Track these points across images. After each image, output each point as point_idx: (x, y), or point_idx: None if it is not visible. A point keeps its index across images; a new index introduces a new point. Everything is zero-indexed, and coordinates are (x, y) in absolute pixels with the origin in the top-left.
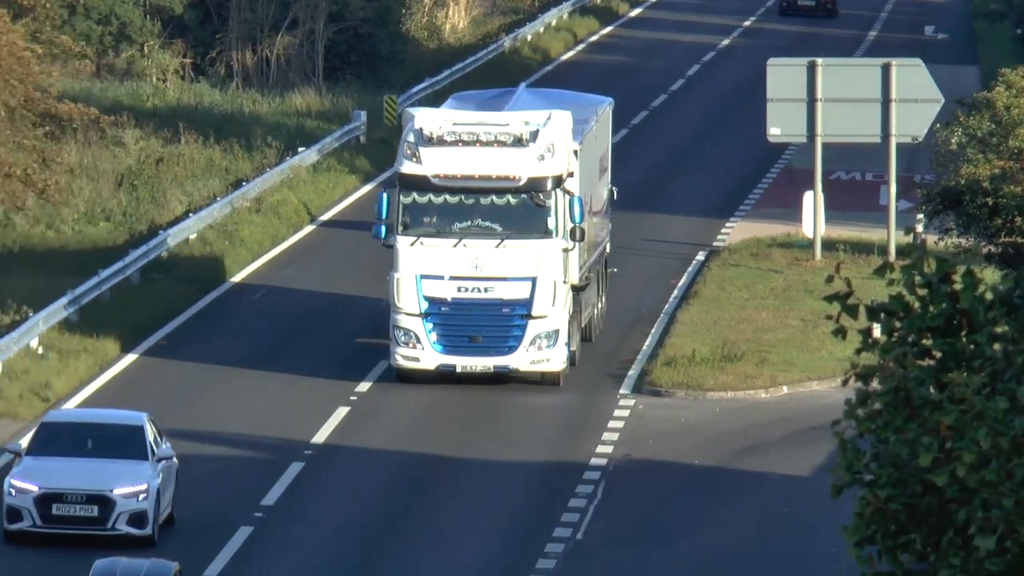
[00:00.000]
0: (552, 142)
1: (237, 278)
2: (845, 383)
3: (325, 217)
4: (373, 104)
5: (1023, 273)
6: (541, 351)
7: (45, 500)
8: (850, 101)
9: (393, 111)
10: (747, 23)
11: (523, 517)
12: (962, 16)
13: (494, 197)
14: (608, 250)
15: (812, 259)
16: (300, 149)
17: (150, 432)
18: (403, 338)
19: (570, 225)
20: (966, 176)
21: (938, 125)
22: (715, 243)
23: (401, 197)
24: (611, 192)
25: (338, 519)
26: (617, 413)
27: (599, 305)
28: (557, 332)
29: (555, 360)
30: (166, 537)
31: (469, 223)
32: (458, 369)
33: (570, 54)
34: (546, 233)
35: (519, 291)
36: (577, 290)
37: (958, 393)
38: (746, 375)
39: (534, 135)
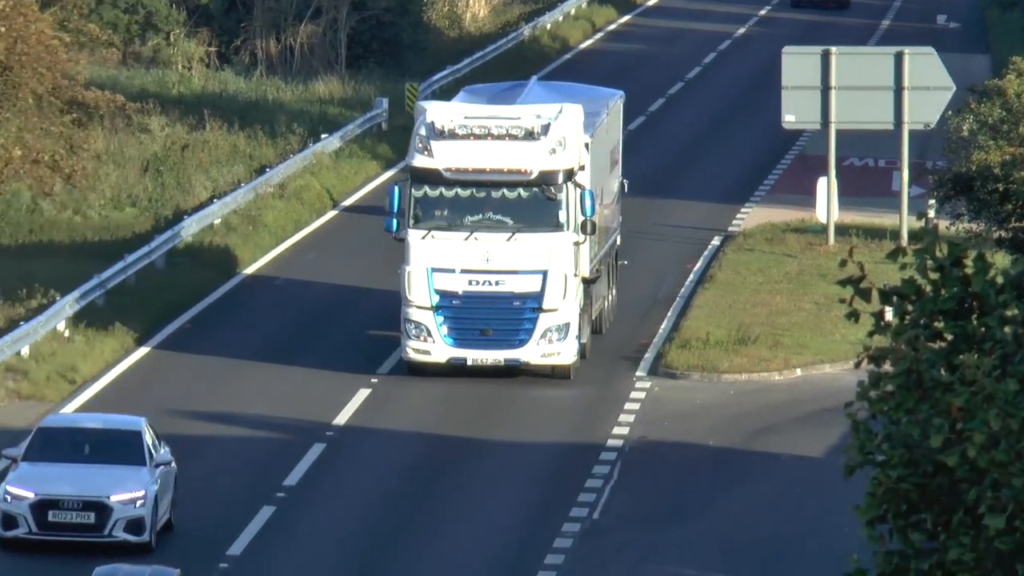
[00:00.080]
0: (563, 135)
1: (260, 263)
2: (858, 365)
3: (347, 203)
4: (395, 92)
5: None
6: (552, 344)
7: (41, 507)
8: (863, 89)
9: (414, 98)
10: (762, 12)
11: (541, 496)
12: (974, 5)
13: (505, 190)
14: (619, 242)
15: (826, 244)
16: (323, 136)
17: (148, 437)
18: (414, 331)
19: (581, 218)
20: (977, 162)
21: (950, 112)
22: (730, 228)
23: (412, 190)
24: (622, 185)
25: (359, 499)
26: (633, 395)
27: (609, 297)
28: (568, 325)
29: (566, 353)
30: (164, 543)
31: (480, 216)
32: (469, 362)
33: (588, 42)
34: (557, 226)
35: (530, 284)
36: (588, 283)
37: (969, 375)
38: (760, 358)
39: (545, 128)
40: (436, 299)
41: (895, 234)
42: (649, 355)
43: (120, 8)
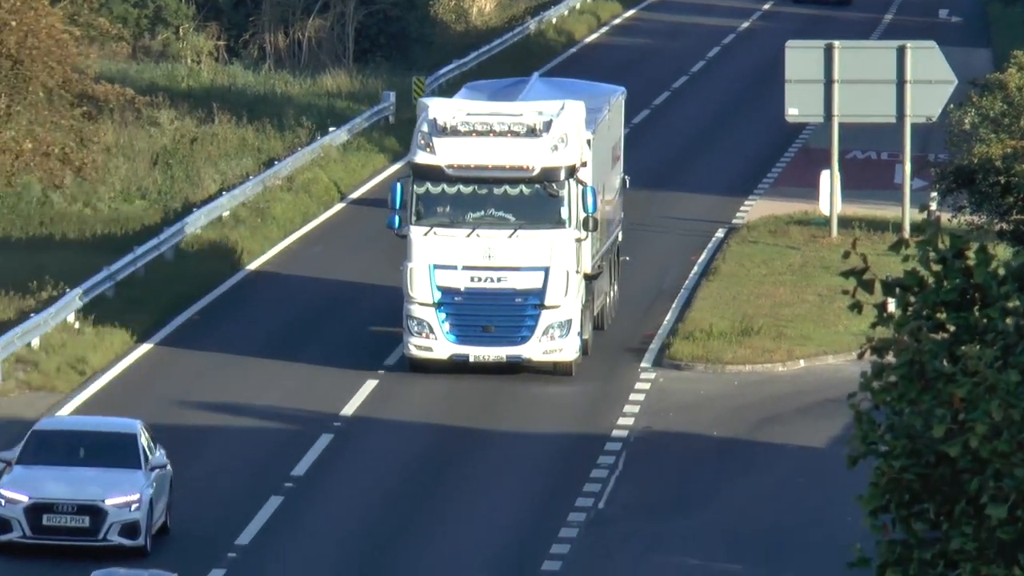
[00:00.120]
0: (565, 132)
1: (268, 255)
2: (861, 356)
3: (355, 195)
4: (402, 85)
5: None
6: (554, 341)
7: (35, 510)
8: (866, 82)
9: (421, 92)
10: (766, 6)
11: (547, 486)
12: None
13: (507, 187)
14: (620, 238)
15: (828, 236)
16: (331, 129)
17: (143, 439)
18: (416, 328)
19: (583, 215)
20: (979, 155)
21: (952, 106)
22: (734, 220)
23: (415, 187)
24: (623, 181)
25: (367, 489)
26: (638, 386)
27: (611, 293)
28: (570, 322)
29: (568, 350)
30: (160, 547)
31: (482, 213)
32: (471, 359)
33: (593, 37)
34: (559, 223)
35: (532, 281)
36: (589, 279)
37: (971, 366)
38: (764, 349)
39: (547, 125)
40: (438, 296)
41: (897, 226)
42: (654, 346)
43: (130, 2)
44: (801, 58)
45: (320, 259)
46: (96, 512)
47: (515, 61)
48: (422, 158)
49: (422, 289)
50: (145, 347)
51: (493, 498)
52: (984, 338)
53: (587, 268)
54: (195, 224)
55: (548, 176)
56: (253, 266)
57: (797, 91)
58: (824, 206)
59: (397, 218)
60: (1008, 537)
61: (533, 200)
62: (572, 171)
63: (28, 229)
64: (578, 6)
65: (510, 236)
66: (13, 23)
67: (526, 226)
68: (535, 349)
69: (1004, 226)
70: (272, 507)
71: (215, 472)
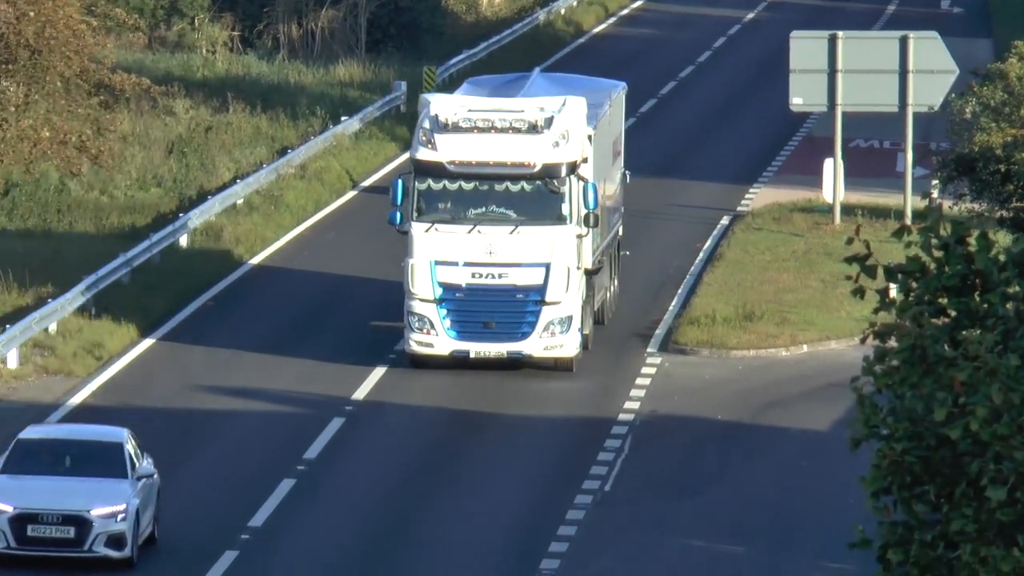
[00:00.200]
0: (567, 128)
1: (282, 241)
2: (863, 341)
3: (367, 183)
4: (413, 75)
5: None
6: (554, 337)
7: (20, 521)
8: (869, 72)
9: (432, 82)
10: None
11: (555, 469)
12: None
13: (509, 183)
14: (621, 233)
15: (832, 223)
16: (343, 118)
17: (130, 449)
18: (417, 324)
19: (584, 211)
20: (980, 144)
21: (953, 95)
22: (739, 208)
23: (416, 183)
24: (624, 176)
25: (378, 471)
26: (644, 371)
27: (611, 288)
28: (570, 318)
29: (568, 346)
30: (146, 558)
31: (484, 209)
32: (472, 355)
33: (602, 27)
34: (560, 219)
35: (533, 277)
36: (590, 274)
37: (972, 350)
38: (768, 334)
39: (549, 122)
40: (439, 292)
41: (899, 214)
42: (660, 331)
43: None
44: (805, 48)
45: (334, 245)
46: (81, 523)
47: (524, 51)
48: (424, 154)
49: (423, 285)
50: (160, 332)
51: (503, 479)
52: (985, 323)
53: (588, 264)
54: (209, 211)
55: (549, 172)
56: (267, 252)
57: (801, 80)
58: (827, 194)
59: (399, 214)
60: (1007, 519)
61: (534, 196)
62: (573, 167)
63: (45, 216)
64: None
65: (511, 232)
66: (31, 14)
67: (527, 222)
68: (536, 345)
69: (1004, 213)
70: (285, 489)
71: (228, 456)
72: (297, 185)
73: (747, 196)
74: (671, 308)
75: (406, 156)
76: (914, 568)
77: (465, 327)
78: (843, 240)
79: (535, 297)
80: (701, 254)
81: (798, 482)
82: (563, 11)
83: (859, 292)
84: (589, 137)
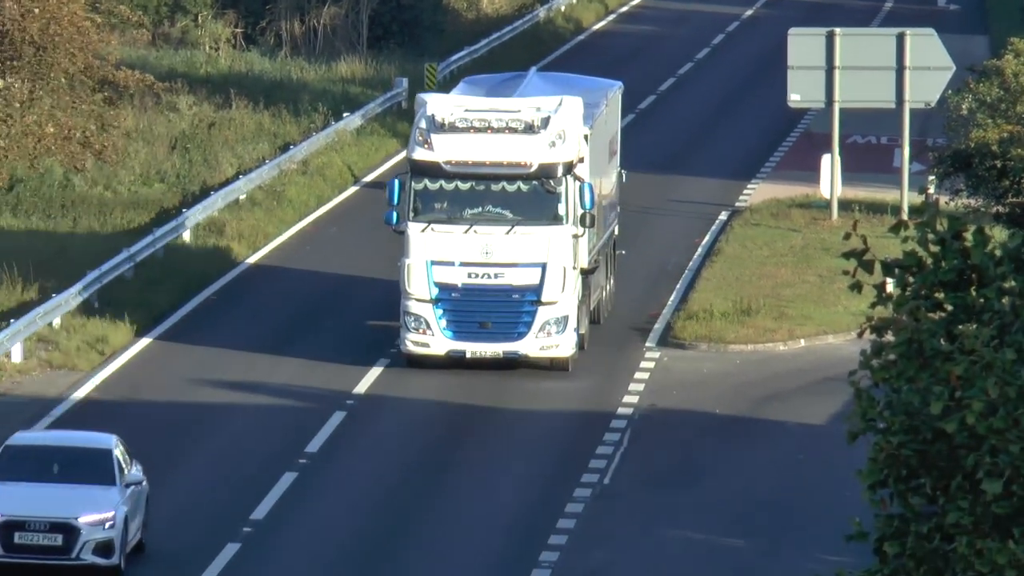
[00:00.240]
0: (563, 128)
1: (284, 236)
2: (860, 335)
3: (368, 179)
4: (414, 72)
5: None
6: (550, 337)
7: (7, 528)
8: (866, 69)
9: (433, 78)
10: None
11: (554, 463)
12: None
13: (505, 184)
14: (617, 232)
15: (829, 219)
16: (345, 114)
17: (119, 455)
18: (413, 324)
19: (580, 211)
20: (976, 140)
21: (950, 91)
22: (737, 203)
23: (412, 183)
24: (620, 175)
25: (379, 466)
26: (643, 365)
27: (607, 287)
28: (566, 318)
29: (564, 346)
30: (135, 566)
31: (480, 209)
32: (468, 355)
33: (601, 24)
34: (556, 219)
35: (529, 277)
36: (586, 273)
37: (968, 344)
38: (765, 328)
39: (545, 122)
40: (435, 292)
41: (896, 209)
42: (659, 326)
43: None
44: (803, 45)
45: (335, 240)
46: (69, 530)
47: (525, 48)
48: (420, 154)
49: (419, 285)
50: (164, 327)
51: (502, 472)
52: (981, 317)
53: (584, 263)
54: (212, 207)
55: (546, 172)
56: (269, 247)
57: (799, 77)
58: (825, 189)
59: (395, 214)
60: (1003, 511)
61: (531, 196)
62: (570, 167)
63: (50, 211)
64: None
65: (507, 232)
66: (36, 10)
67: (523, 222)
68: (532, 345)
69: (1000, 209)
70: (287, 482)
71: (230, 449)
72: (299, 181)
73: (745, 192)
74: (670, 303)
75: (406, 153)
76: (910, 560)
77: (461, 327)
78: (840, 235)
79: (531, 297)
80: (699, 249)
81: (796, 475)
82: (563, 8)
83: (856, 287)
84: (585, 137)
